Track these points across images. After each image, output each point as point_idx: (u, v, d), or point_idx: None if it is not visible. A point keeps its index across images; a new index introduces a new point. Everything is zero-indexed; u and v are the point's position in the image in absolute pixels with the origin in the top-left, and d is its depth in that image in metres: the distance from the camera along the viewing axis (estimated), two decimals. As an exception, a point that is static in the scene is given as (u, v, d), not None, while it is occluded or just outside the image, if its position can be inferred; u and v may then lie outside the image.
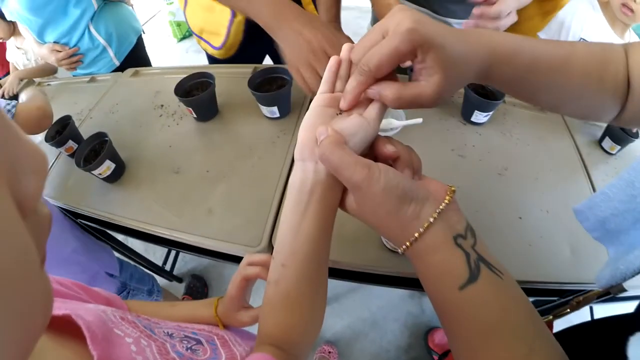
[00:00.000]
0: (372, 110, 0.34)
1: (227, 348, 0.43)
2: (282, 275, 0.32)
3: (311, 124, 0.33)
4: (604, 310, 1.32)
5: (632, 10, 0.91)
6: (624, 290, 0.67)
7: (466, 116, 0.82)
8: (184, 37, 2.99)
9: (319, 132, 0.31)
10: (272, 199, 0.67)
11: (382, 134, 0.75)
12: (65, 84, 1.22)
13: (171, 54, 2.96)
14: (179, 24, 2.89)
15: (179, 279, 1.44)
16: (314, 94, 0.63)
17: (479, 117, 0.79)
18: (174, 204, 0.71)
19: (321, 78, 0.59)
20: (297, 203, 0.32)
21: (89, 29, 1.12)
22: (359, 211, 0.31)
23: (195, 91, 0.83)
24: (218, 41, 0.96)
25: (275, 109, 0.76)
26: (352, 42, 0.60)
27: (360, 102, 0.35)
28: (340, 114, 0.35)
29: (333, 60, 0.37)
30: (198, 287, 1.38)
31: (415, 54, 0.28)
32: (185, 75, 0.85)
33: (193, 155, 0.79)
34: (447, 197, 0.28)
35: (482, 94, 0.79)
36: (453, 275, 0.25)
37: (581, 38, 1.02)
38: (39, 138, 0.89)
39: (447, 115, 0.85)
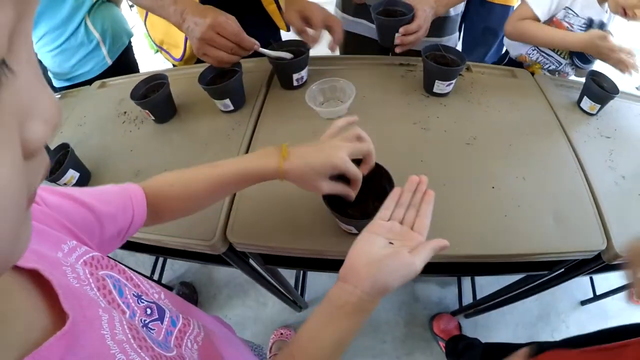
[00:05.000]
0: (423, 254, 0.38)
1: (182, 335, 0.38)
2: None
3: (360, 250, 0.38)
4: (604, 281, 1.24)
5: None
6: (619, 256, 0.62)
7: (428, 88, 0.79)
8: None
9: None
10: (225, 191, 0.64)
11: (331, 116, 0.72)
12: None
13: (151, 66, 2.97)
14: (152, 36, 2.90)
15: (169, 288, 1.43)
16: (224, 63, 0.69)
17: (441, 87, 0.76)
18: (133, 206, 0.70)
19: (223, 51, 0.66)
20: (325, 313, 0.37)
21: (85, 22, 1.10)
22: None
23: (152, 94, 0.82)
24: (178, 53, 0.99)
25: (227, 101, 0.74)
26: (238, 25, 0.67)
27: None
28: (392, 243, 0.40)
29: (411, 183, 0.45)
30: (187, 294, 1.37)
31: None
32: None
33: (152, 157, 0.77)
34: None
35: (442, 63, 0.75)
36: None
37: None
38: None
39: (408, 89, 0.81)
